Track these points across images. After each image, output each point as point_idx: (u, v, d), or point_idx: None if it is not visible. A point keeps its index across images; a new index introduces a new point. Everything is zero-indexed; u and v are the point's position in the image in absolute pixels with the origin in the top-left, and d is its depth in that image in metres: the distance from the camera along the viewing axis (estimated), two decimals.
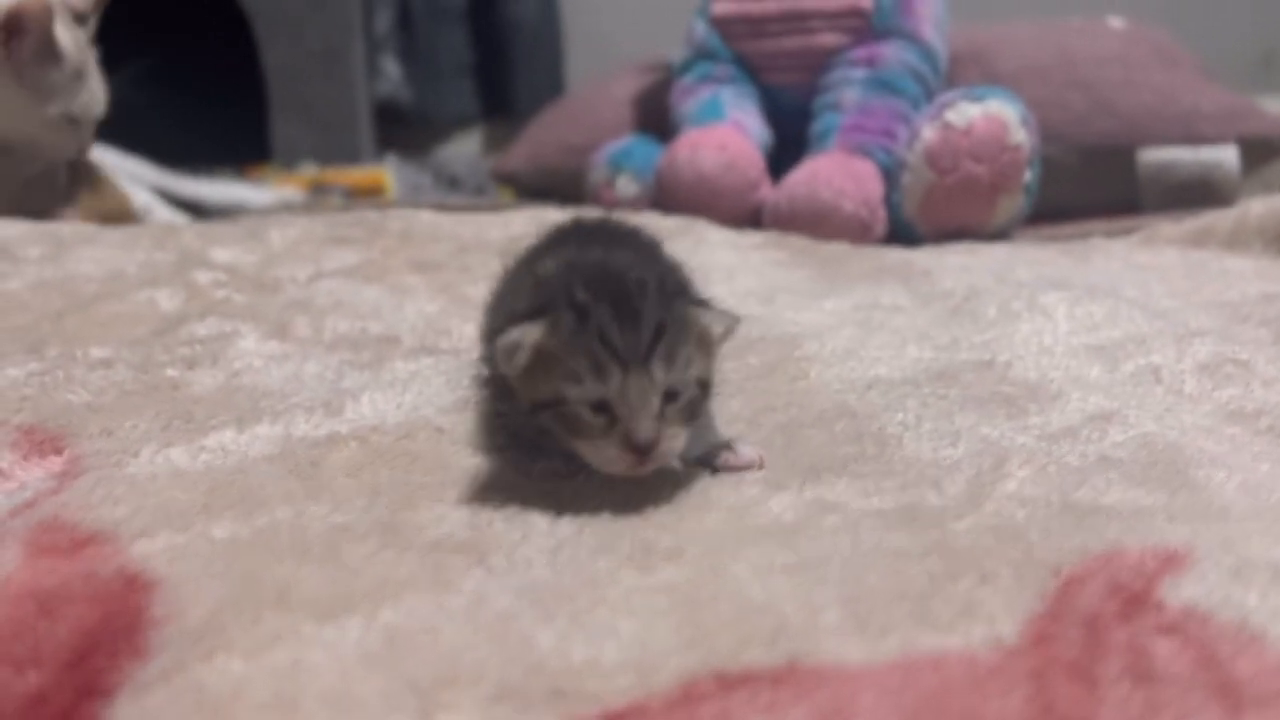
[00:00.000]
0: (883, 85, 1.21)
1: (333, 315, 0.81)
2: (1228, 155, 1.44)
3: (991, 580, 0.41)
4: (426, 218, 1.11)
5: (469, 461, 0.55)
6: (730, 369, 0.69)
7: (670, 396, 0.47)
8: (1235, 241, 1.07)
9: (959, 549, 0.43)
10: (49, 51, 1.11)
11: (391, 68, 2.53)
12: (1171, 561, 0.42)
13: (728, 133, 1.21)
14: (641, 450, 0.46)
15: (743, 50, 1.31)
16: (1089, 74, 1.51)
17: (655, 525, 0.46)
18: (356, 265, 0.94)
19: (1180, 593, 0.39)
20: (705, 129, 1.22)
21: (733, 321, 0.50)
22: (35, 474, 0.53)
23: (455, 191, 1.84)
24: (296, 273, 0.91)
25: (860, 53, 1.24)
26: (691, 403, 0.48)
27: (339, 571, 0.42)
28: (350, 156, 2.02)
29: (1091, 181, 1.49)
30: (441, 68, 2.61)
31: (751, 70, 1.32)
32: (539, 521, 0.47)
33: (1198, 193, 1.45)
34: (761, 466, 0.53)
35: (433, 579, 0.42)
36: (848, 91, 1.22)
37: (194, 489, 0.50)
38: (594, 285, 0.48)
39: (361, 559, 0.43)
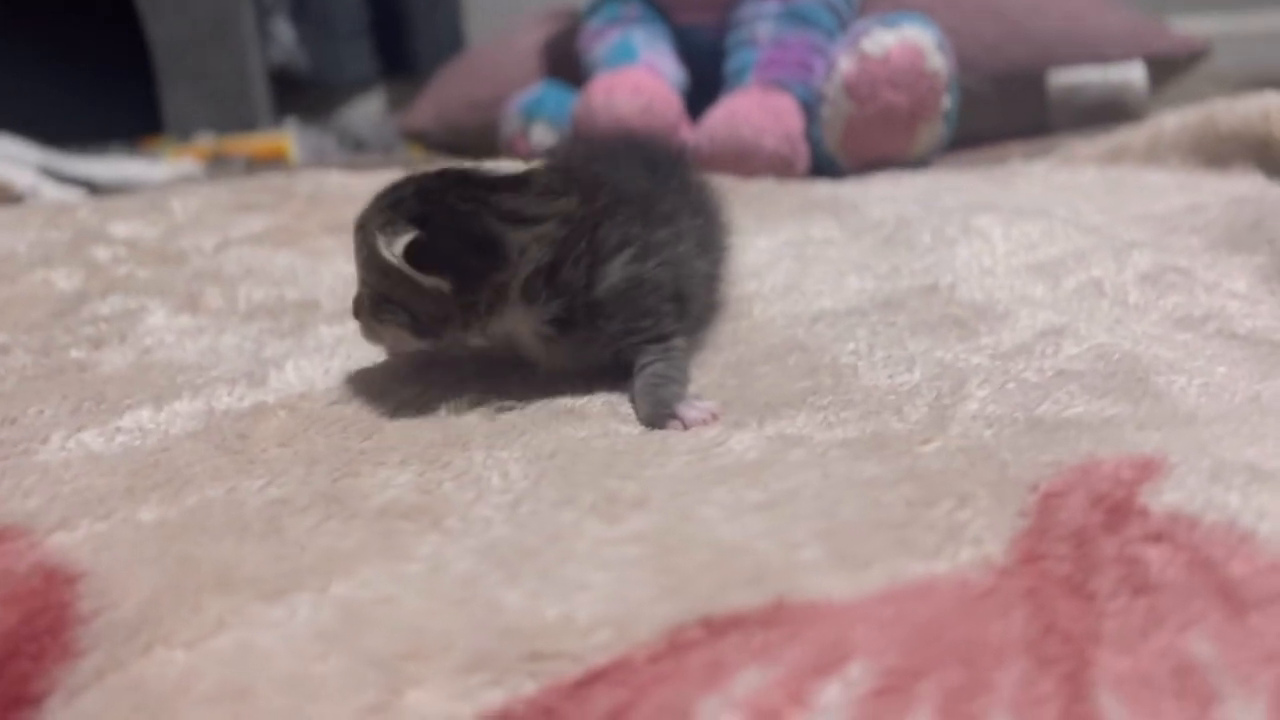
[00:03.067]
0: (796, 18, 1.19)
1: (245, 284, 0.77)
2: (1136, 74, 1.45)
3: (970, 502, 0.39)
4: (336, 179, 1.06)
5: (407, 423, 0.52)
6: None
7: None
8: (1151, 156, 1.08)
9: (931, 473, 0.42)
10: None
11: (284, 32, 2.43)
12: (1148, 469, 0.41)
13: (642, 74, 1.18)
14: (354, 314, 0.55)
15: None
16: (998, 0, 1.51)
17: (616, 474, 0.44)
18: (265, 231, 0.89)
19: (1162, 499, 0.38)
20: (619, 72, 1.18)
21: (391, 257, 0.50)
22: None
23: (361, 153, 1.78)
24: (202, 242, 0.86)
25: None
26: (375, 304, 0.53)
27: (282, 547, 0.39)
28: (247, 124, 1.94)
29: (1006, 108, 1.49)
30: (336, 29, 2.52)
31: (661, 9, 1.28)
32: (491, 478, 0.44)
33: (1107, 113, 1.46)
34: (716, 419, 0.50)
35: (384, 547, 0.39)
36: (761, 26, 1.20)
37: (113, 473, 0.47)
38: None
39: (305, 532, 0.40)
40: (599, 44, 1.27)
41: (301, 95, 2.47)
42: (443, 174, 0.53)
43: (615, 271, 0.53)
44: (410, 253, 0.49)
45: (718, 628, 0.32)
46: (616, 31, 1.26)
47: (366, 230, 0.52)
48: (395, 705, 0.30)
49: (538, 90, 1.29)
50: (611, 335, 0.54)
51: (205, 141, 1.78)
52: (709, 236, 0.63)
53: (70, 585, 0.37)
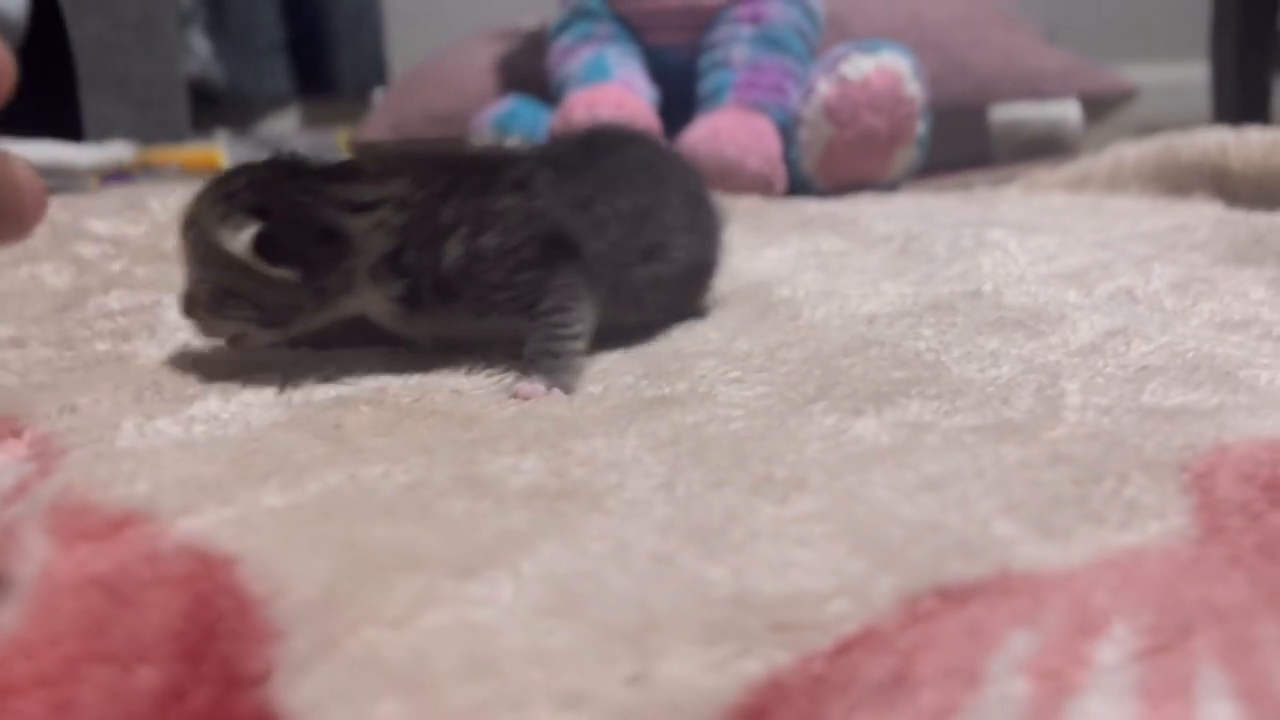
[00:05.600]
0: (771, 43, 1.21)
1: None
2: (1072, 110, 1.52)
3: (1130, 481, 0.40)
4: None
5: (502, 415, 0.50)
6: (720, 316, 0.67)
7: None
8: (1114, 184, 1.13)
9: (1075, 456, 0.42)
10: None
11: (200, 44, 2.36)
12: None
13: (621, 91, 1.18)
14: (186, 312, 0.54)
15: (622, 10, 1.28)
16: (939, 36, 1.56)
17: (757, 459, 0.43)
18: None
19: None
20: (598, 88, 1.18)
21: (237, 251, 0.50)
22: (1, 459, 0.45)
23: None
24: None
25: (744, 10, 1.24)
26: (216, 299, 0.53)
27: (447, 528, 0.37)
28: (172, 135, 1.86)
29: (947, 140, 1.54)
30: (254, 44, 2.46)
31: (632, 29, 1.29)
32: (626, 464, 0.43)
33: (1044, 147, 1.53)
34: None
35: (555, 526, 0.37)
36: (736, 49, 1.21)
37: (213, 461, 0.43)
38: None
39: (463, 514, 0.38)
40: (571, 60, 1.26)
41: (214, 111, 2.40)
42: (273, 165, 0.54)
43: (454, 249, 0.54)
44: (254, 245, 0.50)
45: (955, 597, 0.32)
46: (589, 49, 1.26)
47: (201, 225, 0.52)
48: (654, 675, 0.29)
49: (509, 104, 1.28)
50: (477, 307, 0.55)
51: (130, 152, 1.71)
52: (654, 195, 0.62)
53: (230, 568, 0.34)
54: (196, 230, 0.52)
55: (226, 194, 0.52)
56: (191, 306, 0.54)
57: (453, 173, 0.55)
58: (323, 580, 0.33)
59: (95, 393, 0.52)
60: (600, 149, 0.62)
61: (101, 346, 0.60)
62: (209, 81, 2.39)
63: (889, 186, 1.20)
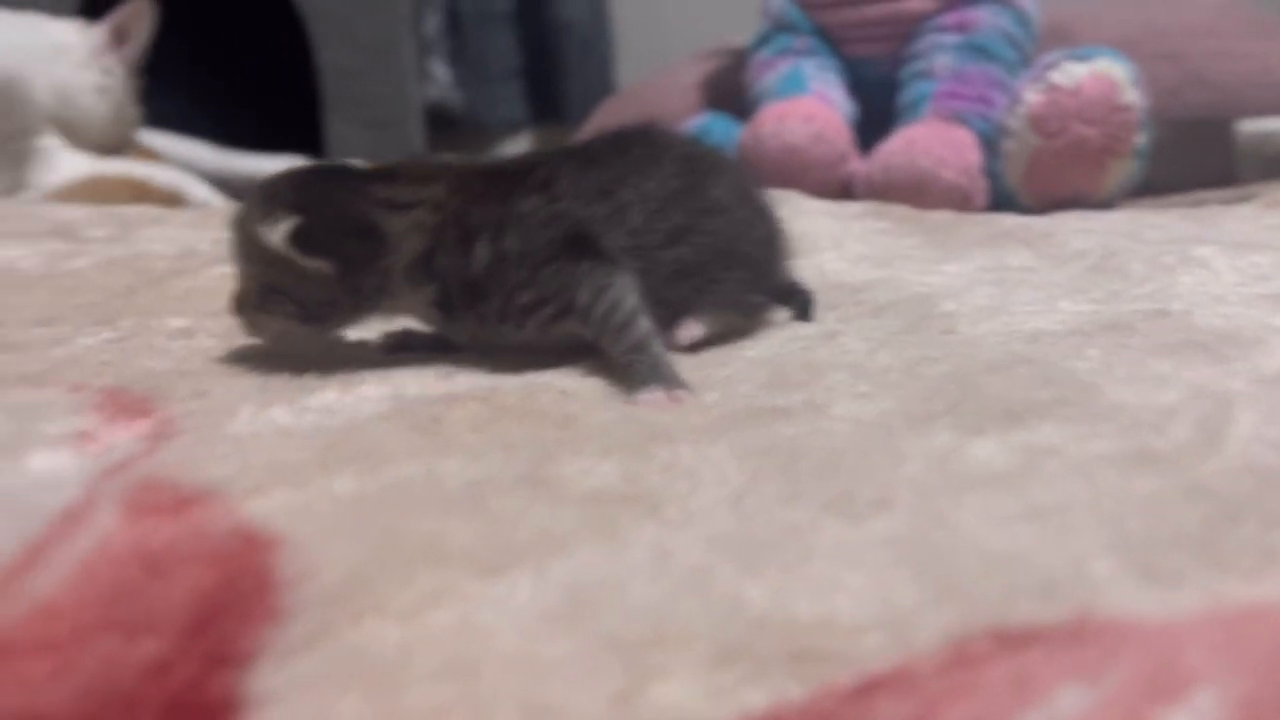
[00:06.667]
0: (977, 51, 1.14)
1: None
2: None
3: (1278, 525, 0.34)
4: None
5: (601, 418, 0.48)
6: (870, 328, 0.63)
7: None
8: None
9: (1220, 492, 0.36)
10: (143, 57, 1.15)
11: (440, 71, 2.49)
12: None
13: (813, 104, 1.14)
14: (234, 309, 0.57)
15: (823, 21, 1.24)
16: (1179, 45, 1.43)
17: (845, 474, 0.39)
18: None
19: None
20: (789, 101, 1.15)
21: (274, 243, 0.52)
22: (122, 436, 0.47)
23: None
24: None
25: (950, 18, 1.18)
26: (260, 295, 0.55)
27: (491, 525, 0.36)
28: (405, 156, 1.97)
29: (1185, 156, 1.41)
30: (491, 71, 2.58)
31: (833, 41, 1.25)
32: (704, 472, 0.41)
33: None
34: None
35: (601, 531, 0.35)
36: (940, 58, 1.15)
37: (305, 447, 0.44)
38: None
39: (513, 512, 0.37)
40: (768, 74, 1.24)
41: (453, 133, 2.52)
42: (315, 168, 0.56)
43: (480, 252, 0.54)
44: (292, 239, 0.52)
45: (1013, 641, 0.27)
46: (787, 62, 1.23)
47: (245, 223, 0.54)
48: (642, 696, 0.26)
49: (703, 119, 1.27)
50: (508, 312, 0.55)
51: None
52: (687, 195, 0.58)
53: (270, 550, 0.34)
54: (241, 230, 0.55)
55: (271, 193, 0.54)
56: (238, 303, 0.56)
57: (486, 178, 0.55)
58: (351, 568, 0.33)
59: (231, 381, 0.54)
60: (637, 139, 0.59)
61: (259, 341, 0.63)
62: (447, 107, 2.52)
63: (1103, 203, 1.10)
